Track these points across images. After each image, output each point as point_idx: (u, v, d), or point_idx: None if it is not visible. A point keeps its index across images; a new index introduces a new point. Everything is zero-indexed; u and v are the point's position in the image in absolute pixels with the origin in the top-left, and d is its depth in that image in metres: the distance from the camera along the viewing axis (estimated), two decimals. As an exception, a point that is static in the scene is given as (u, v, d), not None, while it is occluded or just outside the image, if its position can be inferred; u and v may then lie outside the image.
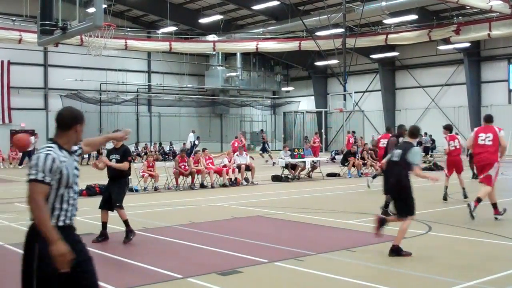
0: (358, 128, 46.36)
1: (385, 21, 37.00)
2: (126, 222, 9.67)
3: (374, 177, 17.68)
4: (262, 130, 46.63)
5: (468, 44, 37.46)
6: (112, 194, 9.75)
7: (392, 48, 41.89)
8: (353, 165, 22.62)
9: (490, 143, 11.53)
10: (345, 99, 34.10)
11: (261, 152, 34.15)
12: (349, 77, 36.57)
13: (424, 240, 9.70)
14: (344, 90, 34.02)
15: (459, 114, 41.43)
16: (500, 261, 8.14)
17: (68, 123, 4.28)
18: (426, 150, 33.24)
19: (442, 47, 38.94)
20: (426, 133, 35.73)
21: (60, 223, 4.12)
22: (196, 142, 35.46)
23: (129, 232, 9.65)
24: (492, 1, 28.59)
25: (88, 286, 4.18)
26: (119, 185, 9.92)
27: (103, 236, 9.78)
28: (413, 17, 34.30)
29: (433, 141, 35.03)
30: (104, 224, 9.83)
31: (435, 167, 26.20)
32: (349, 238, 10.15)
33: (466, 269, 7.69)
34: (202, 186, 18.79)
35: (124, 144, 10.12)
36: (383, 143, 14.64)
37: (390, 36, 36.52)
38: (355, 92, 37.19)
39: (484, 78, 40.69)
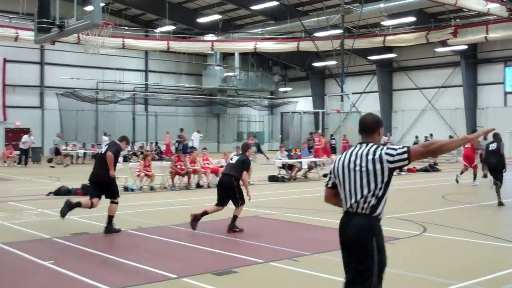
0: (355, 130, 46.38)
1: (383, 23, 37.04)
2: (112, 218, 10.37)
3: None
4: (252, 132, 46.69)
5: (465, 47, 37.57)
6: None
7: (389, 49, 41.98)
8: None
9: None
10: (342, 100, 34.16)
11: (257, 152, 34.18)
12: (347, 78, 36.64)
13: (419, 241, 9.71)
14: (342, 91, 34.05)
15: (455, 116, 41.53)
16: (494, 262, 8.16)
17: (373, 127, 4.52)
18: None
19: (440, 49, 39.02)
20: (416, 136, 35.90)
21: None
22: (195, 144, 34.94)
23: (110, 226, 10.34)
24: (489, 4, 28.63)
25: None
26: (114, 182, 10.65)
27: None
28: (411, 19, 34.35)
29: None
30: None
31: (430, 168, 26.25)
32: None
33: (460, 270, 7.72)
34: (198, 186, 18.76)
35: None
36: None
37: (388, 37, 36.57)
38: (353, 93, 37.27)
39: (480, 81, 40.80)
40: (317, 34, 37.12)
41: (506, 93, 39.42)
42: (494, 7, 29.11)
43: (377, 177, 4.32)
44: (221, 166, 19.38)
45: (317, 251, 8.72)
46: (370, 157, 4.33)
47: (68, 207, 10.13)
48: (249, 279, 7.39)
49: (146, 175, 17.88)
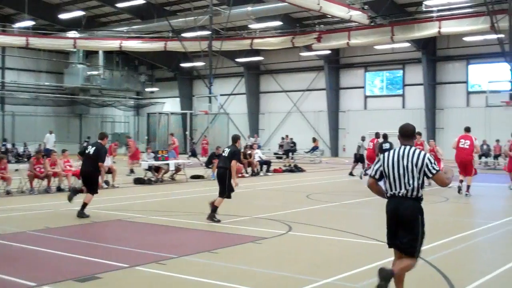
0: (223, 131, 46.76)
1: (251, 26, 37.58)
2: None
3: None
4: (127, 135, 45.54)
5: (328, 52, 39.11)
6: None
7: (257, 52, 42.69)
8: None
9: (467, 147, 16.39)
10: (210, 102, 34.20)
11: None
12: (215, 79, 36.75)
13: (284, 240, 9.85)
14: (210, 93, 34.08)
15: (319, 118, 43.14)
16: (356, 257, 8.46)
17: (413, 133, 6.32)
18: (287, 153, 34.20)
19: (305, 54, 40.33)
20: (287, 136, 36.78)
21: None
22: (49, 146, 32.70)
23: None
24: (351, 11, 29.99)
25: None
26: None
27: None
28: (278, 23, 35.16)
29: (294, 143, 36.19)
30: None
31: (296, 168, 27.02)
32: (212, 240, 10.06)
33: (324, 266, 7.90)
34: (59, 189, 17.79)
35: None
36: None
37: (255, 41, 37.14)
38: (221, 95, 37.46)
39: (342, 85, 42.73)
40: (185, 35, 36.89)
41: (366, 97, 41.61)
42: (356, 15, 30.55)
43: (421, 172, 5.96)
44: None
45: (184, 254, 8.55)
46: (415, 157, 5.99)
47: None
48: (114, 284, 7.09)
49: (1, 178, 16.71)
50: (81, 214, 12.22)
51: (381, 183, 6.29)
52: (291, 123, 44.44)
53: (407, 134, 6.20)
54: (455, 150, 16.89)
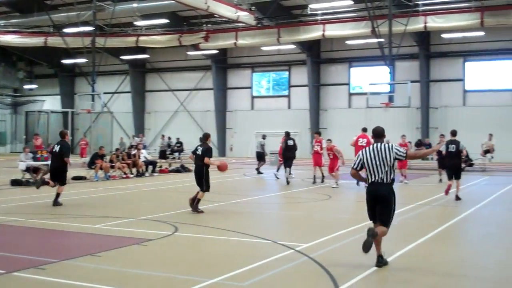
0: (107, 130, 45.52)
1: (136, 23, 36.84)
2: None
3: None
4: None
5: (216, 51, 39.18)
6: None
7: (143, 50, 41.95)
8: (101, 168, 21.95)
9: (365, 144, 17.55)
10: (93, 100, 33.04)
11: None
12: (98, 77, 35.63)
13: (170, 241, 9.68)
14: (93, 91, 32.94)
15: (206, 117, 43.13)
16: (242, 257, 8.45)
17: (382, 133, 8.05)
18: (163, 154, 33.93)
19: (192, 53, 40.15)
20: (163, 135, 36.49)
21: None
22: None
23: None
24: (239, 12, 30.22)
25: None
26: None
27: None
28: (164, 21, 34.73)
29: (181, 143, 35.95)
30: None
31: (182, 169, 26.76)
32: (95, 242, 9.68)
33: (211, 266, 7.82)
34: None
35: None
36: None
37: (141, 38, 36.51)
38: (104, 93, 36.33)
39: (230, 85, 42.97)
40: (66, 30, 35.47)
41: (253, 97, 42.09)
42: (244, 15, 30.82)
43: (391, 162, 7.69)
44: None
45: (65, 258, 8.16)
46: (387, 150, 7.69)
47: None
48: (-14, 294, 6.59)
49: None
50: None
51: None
52: (178, 122, 44.09)
53: (378, 134, 7.96)
54: (353, 147, 18.65)
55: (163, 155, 33.51)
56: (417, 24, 30.10)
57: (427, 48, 35.78)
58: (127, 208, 13.80)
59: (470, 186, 19.39)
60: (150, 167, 25.09)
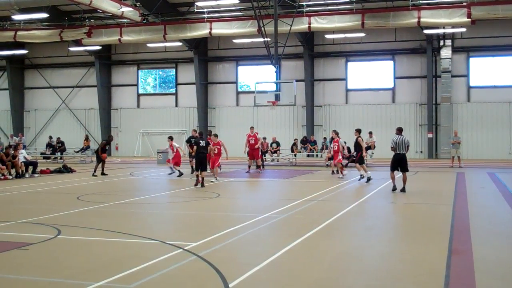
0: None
1: (14, 17, 34.92)
2: None
3: None
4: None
5: (99, 47, 38.09)
6: None
7: (21, 45, 39.95)
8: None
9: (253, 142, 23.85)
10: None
11: None
12: (-28, 73, 33.55)
13: (53, 244, 9.26)
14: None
15: (90, 115, 41.92)
16: (129, 258, 8.22)
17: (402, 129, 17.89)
18: (54, 152, 32.66)
19: (74, 49, 38.81)
20: (50, 136, 35.19)
21: None
22: None
23: None
24: (123, 8, 29.48)
25: None
26: None
27: None
28: (44, 15, 33.17)
29: (62, 143, 34.73)
30: None
31: (65, 169, 25.77)
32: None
33: (97, 269, 7.56)
34: None
35: None
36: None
37: (19, 33, 34.76)
38: (-21, 90, 34.26)
39: (114, 82, 41.94)
40: None
41: (139, 95, 41.37)
42: (128, 11, 30.10)
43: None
44: None
45: None
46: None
47: None
48: None
49: None
50: None
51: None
52: (60, 121, 42.50)
53: (401, 129, 16.66)
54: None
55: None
56: (301, 25, 30.93)
57: (311, 48, 36.88)
58: (5, 211, 13.07)
59: (353, 181, 20.16)
60: (31, 168, 23.92)
